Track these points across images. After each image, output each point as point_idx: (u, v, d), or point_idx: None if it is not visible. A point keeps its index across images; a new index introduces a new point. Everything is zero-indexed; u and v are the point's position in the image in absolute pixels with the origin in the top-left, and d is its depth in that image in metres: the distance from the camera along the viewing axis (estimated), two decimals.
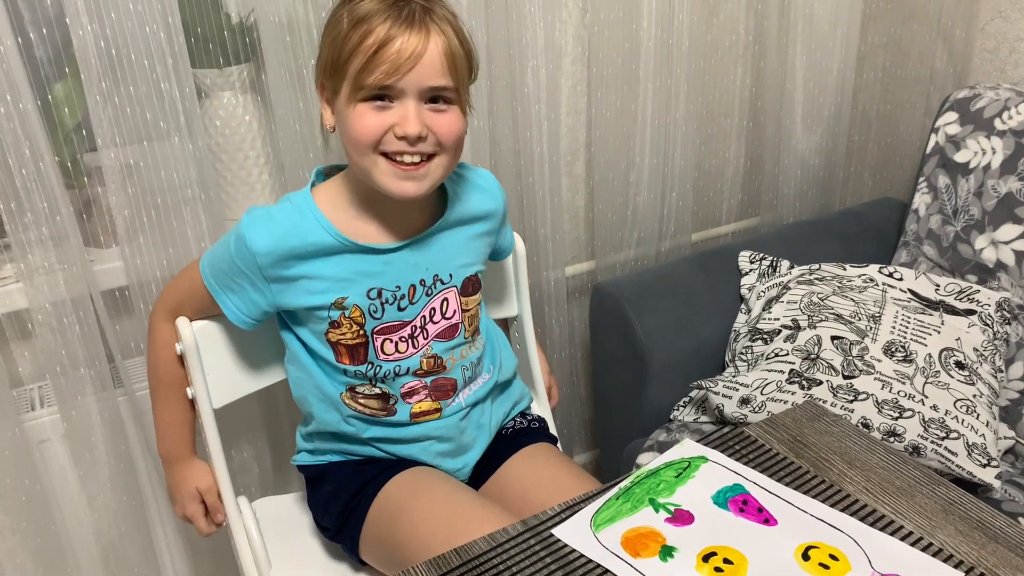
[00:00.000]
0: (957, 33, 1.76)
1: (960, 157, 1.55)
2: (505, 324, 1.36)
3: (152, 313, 1.13)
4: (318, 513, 1.15)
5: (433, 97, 0.98)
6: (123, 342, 1.33)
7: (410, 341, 1.09)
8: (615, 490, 0.89)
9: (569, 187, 1.67)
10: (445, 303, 1.10)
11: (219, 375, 1.15)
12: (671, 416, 1.52)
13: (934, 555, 0.78)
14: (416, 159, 0.99)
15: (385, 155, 0.99)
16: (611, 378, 1.61)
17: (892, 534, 0.81)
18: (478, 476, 1.19)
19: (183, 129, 1.20)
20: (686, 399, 1.52)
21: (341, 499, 1.11)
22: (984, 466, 1.26)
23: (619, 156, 1.61)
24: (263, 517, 1.22)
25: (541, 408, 1.35)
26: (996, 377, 1.39)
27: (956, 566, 0.77)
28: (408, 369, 1.09)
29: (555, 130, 1.50)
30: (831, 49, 1.72)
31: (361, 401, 1.10)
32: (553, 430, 1.29)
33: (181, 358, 1.13)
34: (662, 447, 1.41)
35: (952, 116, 1.59)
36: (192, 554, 1.45)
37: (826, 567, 0.78)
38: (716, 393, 1.40)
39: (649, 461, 0.87)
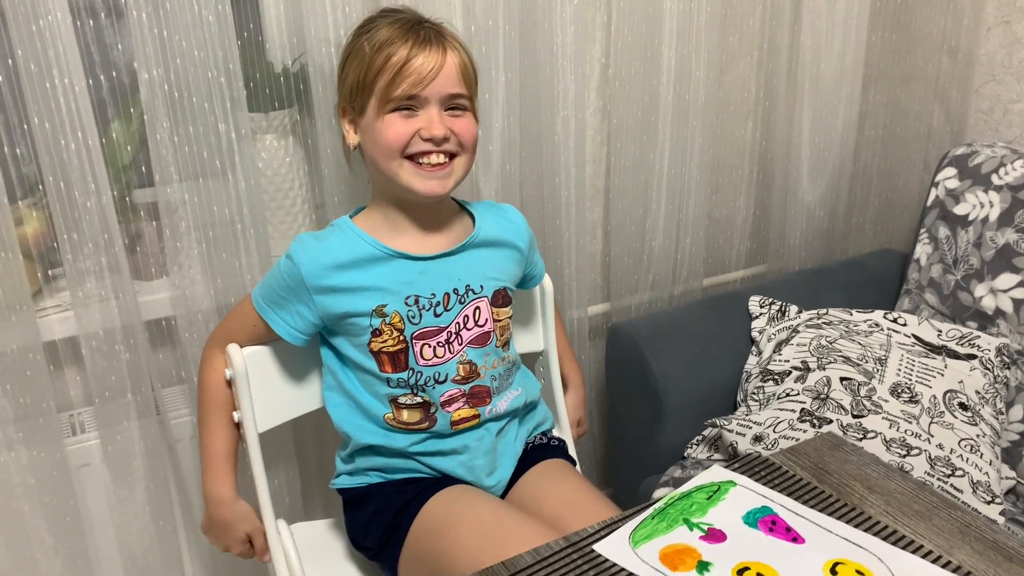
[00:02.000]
0: (953, 95, 1.84)
1: (959, 210, 1.63)
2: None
3: (205, 347, 1.22)
4: (358, 534, 1.20)
5: (451, 105, 1.13)
6: (163, 371, 1.38)
7: (447, 346, 1.17)
8: (650, 510, 0.94)
9: (587, 231, 1.74)
10: (477, 311, 1.19)
11: (264, 400, 1.20)
12: (685, 453, 1.57)
13: (954, 571, 0.84)
14: (441, 159, 1.13)
15: (411, 159, 1.12)
16: (626, 416, 1.66)
17: (913, 553, 0.87)
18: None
19: (236, 167, 1.27)
20: (699, 437, 1.57)
21: (384, 518, 1.16)
22: (988, 503, 1.31)
23: (636, 203, 1.68)
24: (298, 542, 1.25)
25: (563, 433, 1.41)
26: (997, 419, 1.45)
27: None
28: (447, 376, 1.17)
29: (581, 176, 1.57)
30: (836, 107, 1.80)
31: (405, 414, 1.16)
32: (573, 453, 1.35)
33: (230, 383, 1.19)
34: (677, 483, 1.46)
35: (951, 171, 1.67)
36: None
37: None
38: (730, 431, 1.46)
39: (662, 496, 0.93)
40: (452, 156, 1.14)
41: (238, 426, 1.21)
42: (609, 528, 0.92)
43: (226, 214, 1.29)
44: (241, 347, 1.18)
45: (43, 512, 1.26)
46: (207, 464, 1.20)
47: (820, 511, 0.93)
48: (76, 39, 1.14)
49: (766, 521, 0.92)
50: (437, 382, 1.17)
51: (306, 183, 1.44)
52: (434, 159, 1.13)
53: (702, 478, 1.00)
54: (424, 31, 1.12)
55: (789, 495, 0.96)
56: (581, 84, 1.51)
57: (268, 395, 1.21)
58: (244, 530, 1.21)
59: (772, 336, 1.61)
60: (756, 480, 0.99)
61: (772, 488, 0.97)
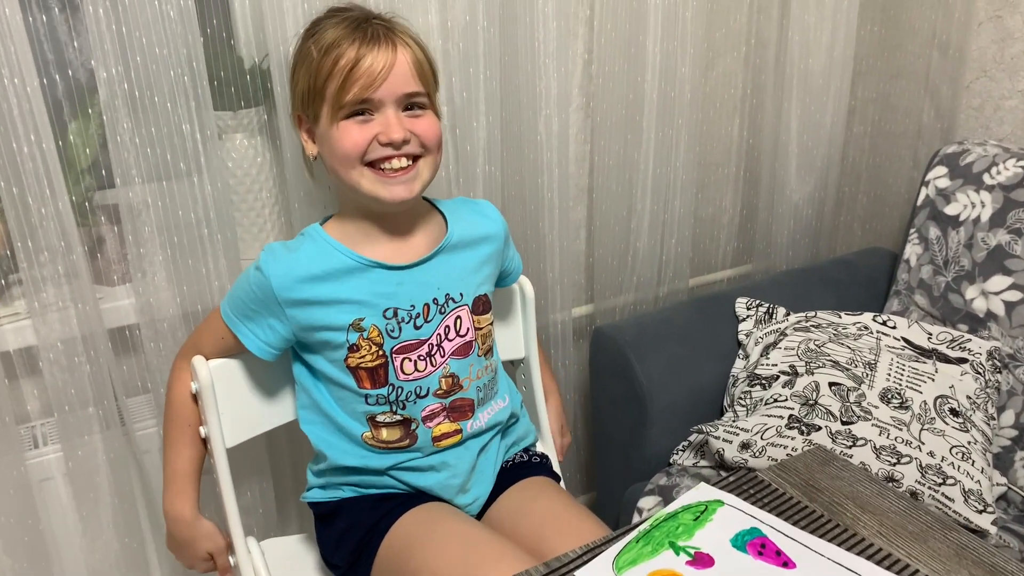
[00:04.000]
0: (944, 91, 1.81)
1: (950, 210, 1.60)
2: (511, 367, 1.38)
3: (175, 360, 1.17)
4: (328, 551, 1.16)
5: (408, 105, 1.07)
6: (128, 380, 1.33)
7: (428, 360, 1.12)
8: (635, 533, 0.90)
9: (571, 232, 1.69)
10: (459, 321, 1.14)
11: (232, 414, 1.16)
12: (671, 460, 1.53)
13: None
14: (404, 163, 1.06)
15: (371, 165, 1.06)
16: (611, 421, 1.62)
17: None
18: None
19: (202, 169, 1.22)
20: (685, 443, 1.53)
21: (354, 536, 1.11)
22: (980, 512, 1.28)
23: (621, 202, 1.64)
24: (268, 559, 1.21)
25: (546, 448, 1.36)
26: (989, 424, 1.42)
27: None
28: (428, 390, 1.12)
29: (564, 176, 1.53)
30: (824, 103, 1.77)
31: (384, 432, 1.12)
32: (557, 468, 1.31)
33: (195, 397, 1.13)
34: (663, 491, 1.42)
35: (942, 170, 1.64)
36: None
37: None
38: (716, 438, 1.42)
39: (651, 506, 0.89)
40: (416, 158, 1.08)
41: (205, 442, 1.16)
42: (592, 552, 0.88)
43: (192, 217, 1.24)
44: (209, 359, 1.13)
45: (4, 529, 1.21)
46: (168, 481, 1.16)
47: (811, 532, 0.90)
48: (27, 35, 1.08)
49: (755, 544, 0.88)
50: (418, 396, 1.12)
51: (277, 183, 1.39)
52: (396, 163, 1.06)
53: (688, 497, 0.96)
54: (371, 28, 1.05)
55: (778, 515, 0.92)
56: (564, 81, 1.47)
57: (237, 409, 1.16)
58: (205, 548, 1.17)
59: (759, 339, 1.57)
60: (744, 498, 0.95)
61: (761, 507, 0.94)
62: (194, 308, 1.28)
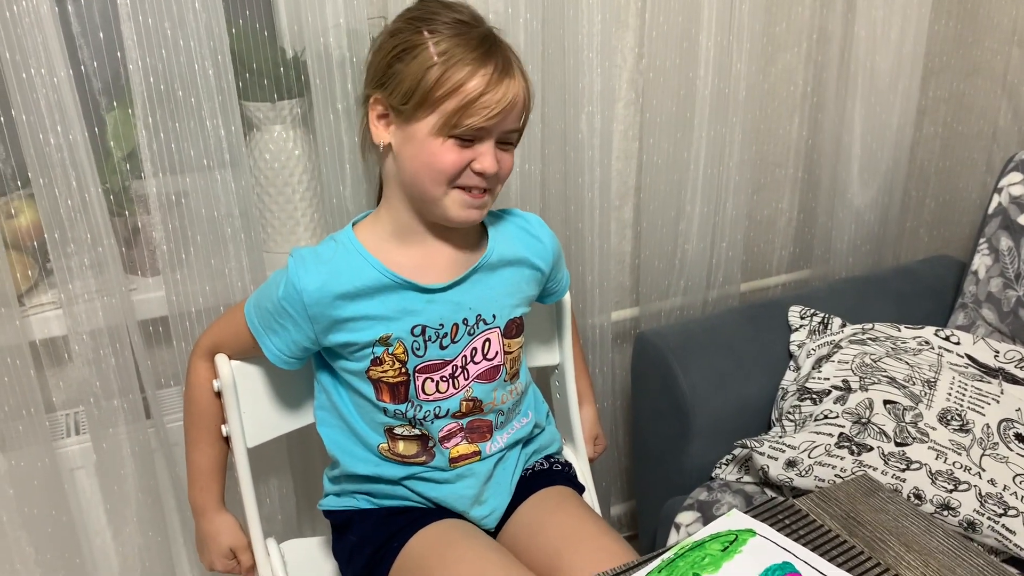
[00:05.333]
0: (1023, 91, 1.72)
1: None
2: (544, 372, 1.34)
3: (192, 353, 1.14)
4: (342, 563, 1.14)
5: (504, 139, 1.05)
6: (157, 372, 1.33)
7: (451, 381, 1.09)
8: (658, 562, 0.85)
9: (616, 232, 1.65)
10: (487, 344, 1.10)
11: (254, 414, 1.14)
12: (712, 474, 1.48)
13: None
14: (482, 195, 1.06)
15: (457, 187, 1.04)
16: (652, 431, 1.57)
17: None
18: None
19: (226, 165, 1.20)
20: (729, 457, 1.48)
21: (365, 552, 1.09)
22: None
23: (669, 203, 1.59)
24: (289, 560, 1.20)
25: (576, 456, 1.32)
26: None
27: None
28: (448, 411, 1.09)
29: (607, 176, 1.48)
30: (891, 103, 1.69)
31: (401, 446, 1.09)
32: (584, 478, 1.26)
33: (218, 395, 1.12)
34: (702, 507, 1.37)
35: (1017, 176, 1.55)
36: None
37: None
38: (761, 454, 1.36)
39: (689, 521, 0.84)
40: (489, 190, 1.07)
41: (227, 439, 1.14)
42: None
43: (222, 211, 1.23)
44: (230, 358, 1.11)
45: (22, 522, 1.22)
46: (191, 478, 1.16)
47: (849, 570, 0.83)
48: (55, 26, 1.07)
49: None
50: (437, 417, 1.09)
51: (315, 177, 1.37)
52: (476, 191, 1.05)
53: (718, 525, 0.90)
54: (503, 57, 1.02)
55: (814, 549, 0.86)
56: (610, 76, 1.42)
57: (259, 409, 1.15)
58: (226, 543, 1.16)
59: (812, 351, 1.50)
60: (778, 529, 0.89)
61: (796, 540, 0.87)
62: (222, 301, 1.27)
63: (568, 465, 1.24)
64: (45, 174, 1.11)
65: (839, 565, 0.84)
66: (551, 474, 1.21)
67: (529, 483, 1.18)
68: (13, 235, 1.20)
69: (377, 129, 1.05)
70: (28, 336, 1.20)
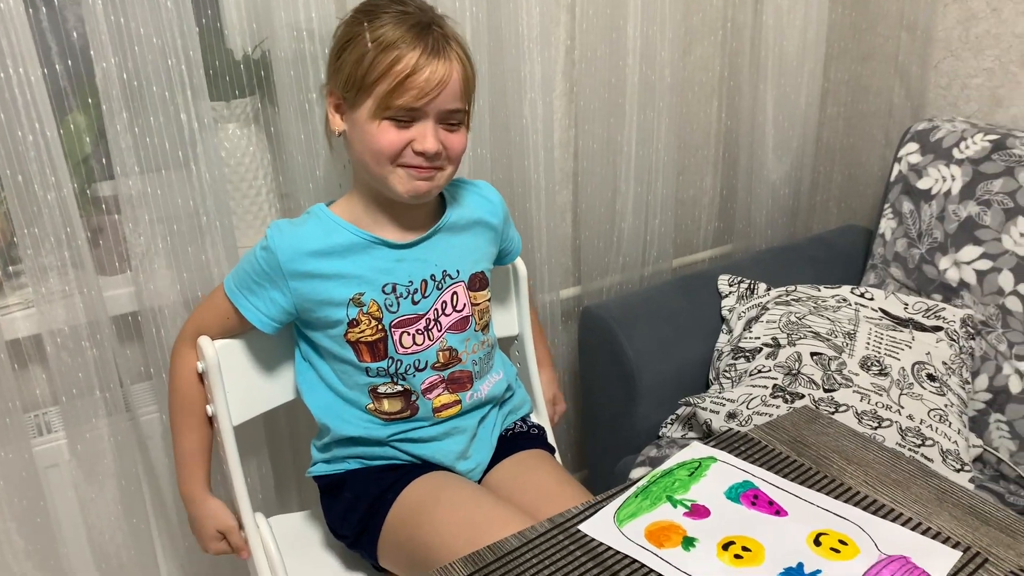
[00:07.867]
0: (913, 71, 1.87)
1: (922, 184, 1.65)
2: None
3: (175, 343, 1.19)
4: (335, 522, 1.19)
5: (447, 119, 1.09)
6: (131, 367, 1.35)
7: (426, 333, 1.16)
8: (633, 489, 0.95)
9: (558, 215, 1.73)
10: (455, 296, 1.18)
11: (238, 392, 1.18)
12: (660, 433, 1.58)
13: (933, 537, 0.85)
14: (429, 174, 1.10)
15: (400, 165, 1.09)
16: (601, 398, 1.67)
17: (893, 521, 0.88)
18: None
19: (199, 158, 1.24)
20: (674, 416, 1.58)
21: (360, 506, 1.15)
22: (958, 471, 1.33)
23: (605, 185, 1.68)
24: (277, 535, 1.23)
25: (540, 419, 1.41)
26: (964, 388, 1.48)
27: (954, 546, 0.84)
28: (427, 363, 1.16)
29: (550, 159, 1.56)
30: (798, 85, 1.81)
31: (386, 404, 1.15)
32: (551, 440, 1.35)
33: (201, 377, 1.16)
34: (653, 462, 1.46)
35: (913, 146, 1.70)
36: None
37: (836, 551, 0.84)
38: (704, 409, 1.46)
39: (642, 476, 0.93)
40: (439, 168, 1.11)
41: (211, 421, 1.18)
42: (593, 508, 0.92)
43: (190, 206, 1.26)
44: (212, 339, 1.16)
45: (12, 514, 1.23)
46: (179, 464, 1.19)
47: (800, 484, 0.94)
48: (29, 26, 1.10)
49: (748, 495, 0.93)
50: (417, 370, 1.16)
51: (270, 172, 1.42)
52: (421, 169, 1.10)
53: (683, 455, 1.00)
54: (434, 38, 1.06)
55: (769, 469, 0.97)
56: (547, 67, 1.51)
57: (242, 387, 1.19)
58: (214, 527, 1.19)
59: (742, 314, 1.62)
60: (736, 455, 1.00)
61: (752, 463, 0.98)
62: (194, 294, 1.31)
63: (541, 428, 1.33)
64: (22, 171, 1.13)
65: (791, 480, 0.95)
66: (528, 436, 1.29)
67: (509, 443, 1.27)
68: None
69: (334, 118, 1.13)
70: (5, 336, 1.21)
